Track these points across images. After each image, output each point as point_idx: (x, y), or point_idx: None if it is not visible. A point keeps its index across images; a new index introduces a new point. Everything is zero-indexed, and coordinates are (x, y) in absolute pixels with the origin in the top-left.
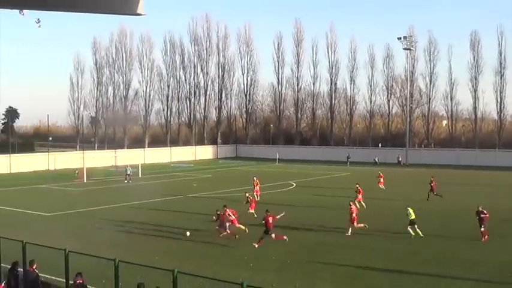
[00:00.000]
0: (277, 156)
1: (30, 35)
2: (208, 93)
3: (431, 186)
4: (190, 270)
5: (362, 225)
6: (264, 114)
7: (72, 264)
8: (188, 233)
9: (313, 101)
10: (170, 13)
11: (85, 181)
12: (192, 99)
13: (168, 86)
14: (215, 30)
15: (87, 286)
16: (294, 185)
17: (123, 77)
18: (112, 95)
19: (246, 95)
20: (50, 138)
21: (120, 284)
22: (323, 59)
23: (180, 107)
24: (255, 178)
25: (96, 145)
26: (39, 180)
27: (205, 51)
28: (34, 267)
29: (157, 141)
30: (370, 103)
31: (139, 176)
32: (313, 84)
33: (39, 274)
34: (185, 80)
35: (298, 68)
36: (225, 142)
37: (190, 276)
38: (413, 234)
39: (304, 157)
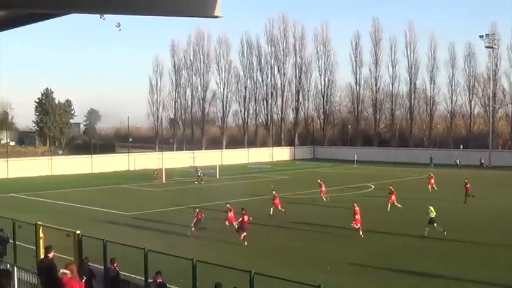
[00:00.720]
0: (355, 158)
1: (111, 38)
2: (285, 94)
3: (466, 188)
4: (265, 271)
5: (357, 226)
6: (341, 115)
7: (151, 263)
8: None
9: (392, 101)
10: (247, 14)
11: (164, 181)
12: (269, 100)
13: (245, 88)
14: (292, 30)
15: (166, 285)
16: (372, 187)
17: (200, 78)
18: (190, 96)
19: (323, 96)
20: (130, 140)
21: (197, 283)
22: (402, 58)
23: (257, 108)
24: (319, 180)
25: (174, 146)
26: (119, 180)
27: (282, 52)
28: (115, 265)
29: (235, 142)
30: (451, 103)
31: (217, 177)
32: (392, 84)
33: (120, 272)
34: (262, 81)
35: (376, 68)
36: (303, 143)
37: (266, 277)
38: (426, 234)
39: (383, 159)
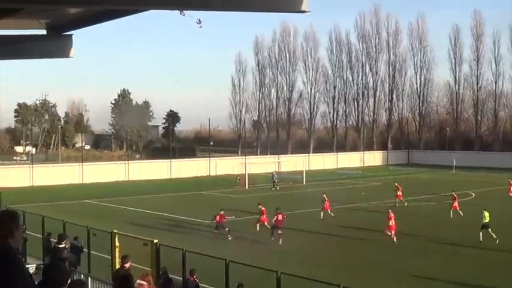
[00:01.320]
0: (454, 163)
1: (191, 36)
2: (377, 94)
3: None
4: (356, 284)
5: (390, 233)
6: (439, 116)
7: (233, 275)
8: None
9: (495, 101)
10: (336, 8)
11: (246, 188)
12: (360, 100)
13: (334, 87)
14: (385, 25)
15: None
16: (473, 195)
17: (286, 78)
18: (275, 97)
19: (419, 96)
20: (211, 143)
21: None
22: (506, 54)
23: (347, 110)
24: (396, 184)
25: (258, 150)
26: (199, 186)
27: (374, 48)
28: (194, 276)
29: (323, 145)
30: None
31: (304, 183)
32: (495, 82)
33: (200, 284)
34: (352, 80)
35: (477, 65)
36: (396, 147)
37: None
38: (481, 240)
39: (485, 164)
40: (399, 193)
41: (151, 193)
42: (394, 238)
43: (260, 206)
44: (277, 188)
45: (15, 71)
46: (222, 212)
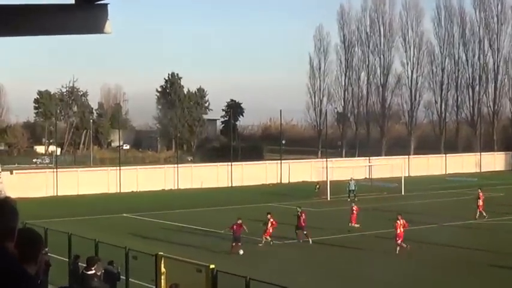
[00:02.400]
0: None
1: (256, 6)
2: (499, 78)
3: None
4: None
5: (399, 243)
6: None
7: None
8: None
9: None
10: None
11: (328, 199)
12: (477, 87)
13: (443, 70)
14: None
15: None
16: None
17: (380, 58)
18: (365, 83)
19: None
20: (283, 142)
21: None
22: None
23: (459, 99)
24: (479, 191)
25: (343, 151)
26: (267, 196)
27: (495, 18)
28: None
29: (427, 145)
30: None
31: (402, 193)
32: None
33: None
34: (466, 60)
35: None
36: None
37: None
38: None
39: None
40: (480, 203)
41: (207, 205)
42: (398, 247)
43: (269, 216)
44: (356, 200)
45: (35, 50)
46: (239, 221)
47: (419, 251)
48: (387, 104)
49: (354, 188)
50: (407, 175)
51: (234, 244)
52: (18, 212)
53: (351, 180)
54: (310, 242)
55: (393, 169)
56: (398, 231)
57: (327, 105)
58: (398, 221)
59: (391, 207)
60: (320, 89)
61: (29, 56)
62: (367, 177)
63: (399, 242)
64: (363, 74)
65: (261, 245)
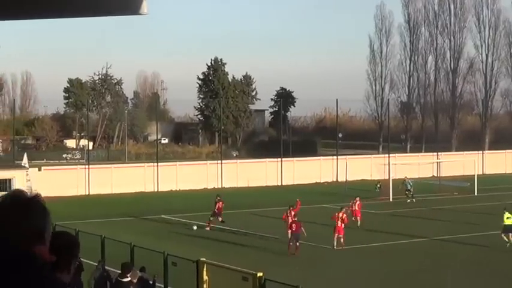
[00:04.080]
0: None
1: None
2: None
3: None
4: None
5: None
6: None
7: None
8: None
9: None
10: None
11: (391, 199)
12: None
13: None
14: None
15: None
16: None
17: (450, 40)
18: (433, 68)
19: None
20: (340, 135)
21: None
22: None
23: None
24: None
25: (408, 145)
26: (321, 196)
27: None
28: None
29: (504, 139)
30: None
31: (475, 193)
32: None
33: None
34: None
35: None
36: None
37: None
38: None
39: None
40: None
41: (255, 206)
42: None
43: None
44: (414, 200)
45: (65, 34)
46: (296, 218)
47: (494, 258)
48: (458, 93)
49: (409, 188)
50: (481, 173)
51: (291, 244)
52: (49, 211)
53: (405, 179)
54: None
55: (465, 166)
56: (339, 224)
57: (389, 94)
58: (339, 213)
59: (462, 209)
60: (381, 76)
61: (58, 41)
62: (435, 175)
63: (337, 236)
64: (430, 58)
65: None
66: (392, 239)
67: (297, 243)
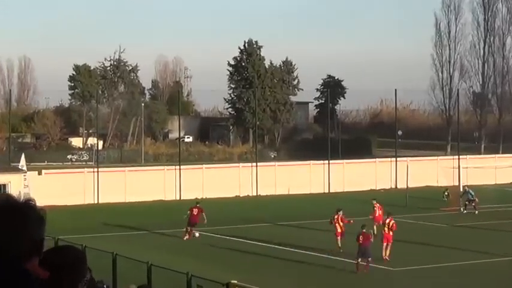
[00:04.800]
0: None
1: None
2: None
3: None
4: None
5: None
6: None
7: None
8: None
9: None
10: None
11: (462, 210)
12: None
13: None
14: None
15: None
16: None
17: None
18: None
19: None
20: (400, 133)
21: None
22: None
23: None
24: None
25: (482, 145)
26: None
27: None
28: None
29: None
30: None
31: None
32: None
33: None
34: None
35: None
36: None
37: None
38: None
39: None
40: None
41: (295, 218)
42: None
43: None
44: (476, 213)
45: (71, 13)
46: (364, 230)
47: None
48: None
49: (472, 197)
50: None
51: (359, 260)
52: (45, 221)
53: (465, 187)
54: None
55: None
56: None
57: (460, 83)
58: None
59: None
60: (449, 61)
61: (62, 20)
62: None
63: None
64: (509, 40)
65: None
66: (469, 258)
67: (369, 259)
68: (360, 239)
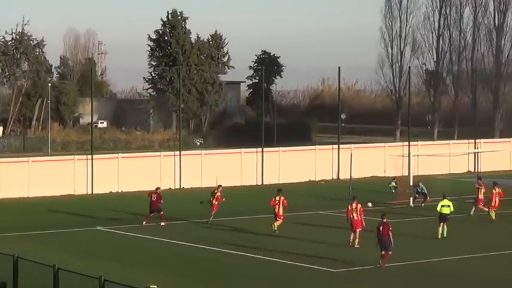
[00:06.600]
0: None
1: None
2: None
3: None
4: None
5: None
6: None
7: None
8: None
9: None
10: None
11: (411, 204)
12: None
13: None
14: None
15: None
16: None
17: None
18: (471, 25)
19: None
20: (343, 116)
21: None
22: None
23: None
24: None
25: (435, 130)
26: (314, 199)
27: None
28: None
29: None
30: None
31: None
32: None
33: None
34: None
35: None
36: None
37: None
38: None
39: None
40: (481, 197)
41: (225, 214)
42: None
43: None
44: (422, 205)
45: None
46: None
47: None
48: (504, 58)
49: (423, 191)
50: None
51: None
52: None
53: (419, 182)
54: None
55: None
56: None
57: (411, 60)
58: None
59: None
60: (401, 35)
61: None
62: (471, 170)
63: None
64: (467, 12)
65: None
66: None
67: (389, 252)
68: (380, 228)
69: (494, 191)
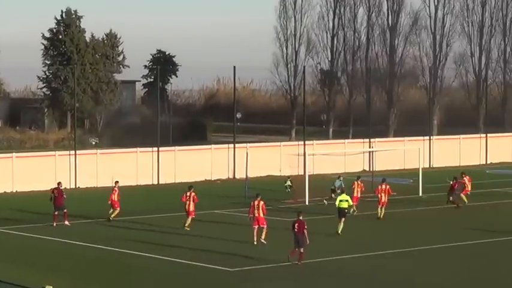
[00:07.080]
0: None
1: None
2: None
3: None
4: None
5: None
6: None
7: None
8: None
9: None
10: None
11: (306, 203)
12: None
13: (483, 5)
14: None
15: None
16: None
17: None
18: (365, 24)
19: None
20: (239, 115)
21: None
22: None
23: (510, 50)
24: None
25: (330, 129)
26: (211, 199)
27: None
28: None
29: (459, 120)
30: None
31: (420, 194)
32: None
33: None
34: None
35: None
36: None
37: None
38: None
39: None
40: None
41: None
42: None
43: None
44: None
45: None
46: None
47: None
48: (398, 58)
49: (339, 187)
50: (427, 166)
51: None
52: None
53: (339, 178)
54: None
55: (407, 157)
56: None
57: (306, 59)
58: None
59: (402, 216)
60: (295, 35)
61: None
62: (366, 169)
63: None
64: (361, 11)
65: None
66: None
67: (301, 250)
68: (296, 226)
69: (380, 187)
